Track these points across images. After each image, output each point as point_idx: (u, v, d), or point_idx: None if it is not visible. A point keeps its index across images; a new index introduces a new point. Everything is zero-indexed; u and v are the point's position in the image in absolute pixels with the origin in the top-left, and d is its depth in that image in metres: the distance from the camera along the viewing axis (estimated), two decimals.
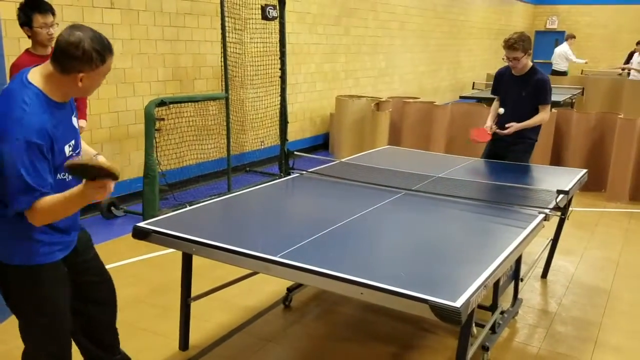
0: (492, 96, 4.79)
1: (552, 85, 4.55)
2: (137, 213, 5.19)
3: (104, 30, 5.20)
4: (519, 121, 4.39)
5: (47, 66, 2.02)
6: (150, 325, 3.34)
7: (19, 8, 3.77)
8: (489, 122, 4.55)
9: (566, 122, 6.83)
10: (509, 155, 4.47)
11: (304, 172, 3.79)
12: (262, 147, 7.20)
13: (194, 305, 3.04)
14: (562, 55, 13.10)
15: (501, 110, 4.41)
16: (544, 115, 4.43)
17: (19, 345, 2.25)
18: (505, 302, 3.39)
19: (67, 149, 2.08)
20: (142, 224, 2.66)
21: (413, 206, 3.20)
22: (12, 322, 2.34)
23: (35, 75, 2.02)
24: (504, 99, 4.56)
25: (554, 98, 9.02)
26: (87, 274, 2.36)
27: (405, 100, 7.94)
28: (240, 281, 3.37)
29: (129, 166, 5.64)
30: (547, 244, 4.13)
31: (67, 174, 2.08)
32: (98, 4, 5.20)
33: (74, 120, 2.20)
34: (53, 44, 3.88)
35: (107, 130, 5.47)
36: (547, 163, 6.58)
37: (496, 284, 3.03)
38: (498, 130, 4.45)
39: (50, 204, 1.96)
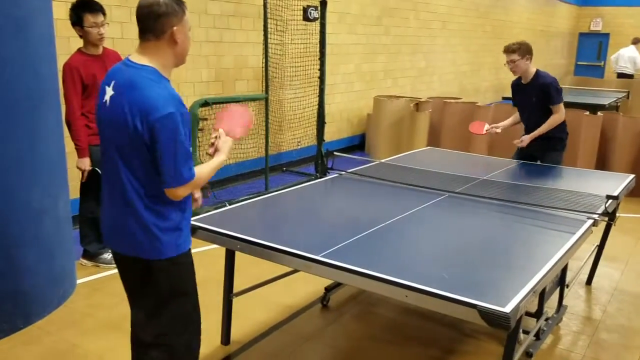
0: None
1: (594, 88, 4.61)
2: None
3: None
4: (534, 126, 4.49)
5: (143, 46, 2.07)
6: None
7: (70, 8, 3.88)
8: (500, 124, 4.76)
9: (612, 126, 6.64)
10: (540, 156, 4.52)
11: (343, 172, 3.80)
12: (299, 147, 7.24)
13: (236, 301, 3.08)
14: (632, 59, 12.82)
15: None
16: (556, 117, 4.44)
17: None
18: (549, 309, 3.33)
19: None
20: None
21: (457, 209, 3.16)
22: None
23: (140, 58, 2.06)
24: (521, 108, 4.68)
25: (599, 101, 8.90)
26: None
27: (445, 100, 7.86)
28: (278, 279, 3.40)
29: None
30: (593, 251, 4.03)
31: None
32: None
33: None
34: (104, 43, 4.02)
35: None
36: (592, 167, 6.42)
37: (542, 291, 2.97)
38: (515, 141, 4.58)
39: (205, 173, 2.12)
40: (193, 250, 2.23)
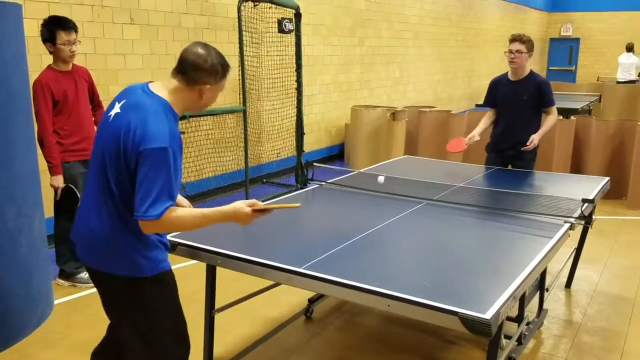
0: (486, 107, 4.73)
1: (562, 92, 4.60)
2: None
3: (124, 46, 5.36)
4: (520, 127, 4.38)
5: (169, 81, 2.12)
6: None
7: (42, 24, 3.84)
8: (475, 132, 4.57)
9: (585, 129, 6.77)
10: (516, 163, 4.45)
11: (323, 183, 3.80)
12: (279, 158, 7.24)
13: (216, 317, 3.05)
14: (633, 65, 13.14)
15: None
16: (554, 118, 4.44)
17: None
18: (530, 313, 3.36)
19: (179, 163, 2.14)
20: (168, 237, 2.67)
21: (435, 216, 3.18)
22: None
23: (160, 89, 2.11)
24: (502, 107, 4.51)
25: (572, 105, 9.07)
26: None
27: (421, 109, 7.93)
28: (261, 293, 3.38)
29: None
30: (571, 254, 4.08)
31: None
32: (118, 20, 5.28)
33: None
34: (75, 60, 3.98)
35: None
36: (567, 171, 6.52)
37: (522, 295, 2.99)
38: (524, 148, 4.37)
39: (183, 216, 2.04)
40: (176, 266, 2.21)
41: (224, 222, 2.22)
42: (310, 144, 8.25)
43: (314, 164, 3.92)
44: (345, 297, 2.24)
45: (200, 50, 2.08)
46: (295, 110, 6.82)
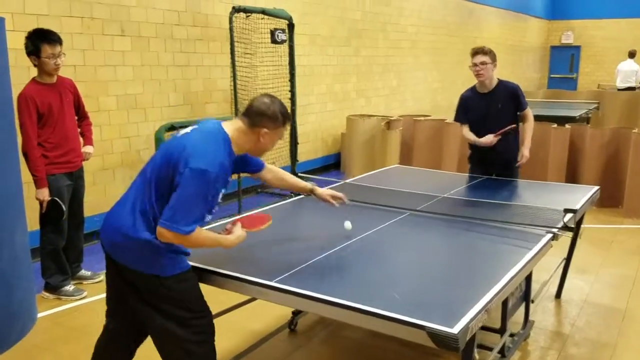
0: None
1: (564, 101, 4.58)
2: None
3: (115, 57, 5.38)
4: (501, 138, 4.27)
5: (236, 121, 2.39)
6: (153, 352, 3.32)
7: (26, 37, 3.85)
8: (473, 138, 4.39)
9: (580, 138, 6.73)
10: (503, 173, 4.39)
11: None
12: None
13: None
14: (634, 72, 13.08)
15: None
16: (531, 121, 4.40)
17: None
18: (516, 324, 3.31)
19: (221, 195, 2.37)
20: None
21: (417, 227, 3.16)
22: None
23: (227, 126, 2.37)
24: (477, 122, 4.36)
25: (569, 113, 9.03)
26: None
27: (415, 118, 7.91)
28: (244, 305, 3.34)
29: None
30: (560, 264, 4.04)
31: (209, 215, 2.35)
32: (108, 31, 5.29)
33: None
34: (59, 73, 3.98)
35: (118, 155, 5.53)
36: (562, 180, 6.48)
37: (505, 306, 2.95)
38: (519, 162, 4.35)
39: (202, 238, 2.27)
40: None
41: (228, 247, 2.43)
42: (307, 153, 8.24)
43: (301, 174, 3.89)
44: (313, 311, 2.22)
45: (266, 99, 2.36)
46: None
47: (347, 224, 3.00)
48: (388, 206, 3.46)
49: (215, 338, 3.36)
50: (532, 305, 3.53)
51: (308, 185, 2.92)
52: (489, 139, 4.26)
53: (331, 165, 8.85)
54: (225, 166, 2.26)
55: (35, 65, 3.90)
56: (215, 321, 3.13)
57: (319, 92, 8.44)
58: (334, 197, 2.95)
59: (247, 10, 6.05)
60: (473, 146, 4.51)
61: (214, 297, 3.52)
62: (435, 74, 12.50)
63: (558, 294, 4.10)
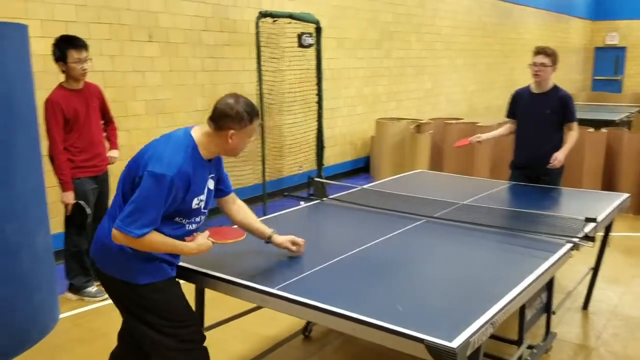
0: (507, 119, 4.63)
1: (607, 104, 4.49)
2: None
3: (143, 63, 5.47)
4: (542, 142, 4.26)
5: (204, 126, 2.33)
6: None
7: (53, 44, 3.95)
8: (484, 135, 4.57)
9: (617, 142, 6.49)
10: (542, 179, 4.31)
11: (325, 198, 3.75)
12: (301, 171, 7.22)
13: (212, 334, 3.02)
14: None
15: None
16: (575, 134, 4.29)
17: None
18: (538, 336, 3.20)
19: (195, 202, 2.31)
20: None
21: (431, 234, 3.09)
22: None
23: (196, 132, 2.32)
24: (523, 120, 4.40)
25: (609, 117, 8.72)
26: None
27: (446, 121, 7.79)
28: (259, 309, 3.33)
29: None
30: (587, 273, 3.89)
31: (184, 219, 2.32)
32: (137, 37, 5.40)
33: (211, 182, 2.43)
34: (86, 78, 4.08)
35: None
36: (598, 187, 6.26)
37: (522, 317, 2.86)
38: (550, 165, 4.19)
39: (157, 242, 2.22)
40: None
41: (188, 255, 2.38)
42: (335, 157, 8.22)
43: (315, 179, 3.87)
44: (313, 320, 2.19)
45: (229, 100, 2.28)
46: (316, 123, 6.81)
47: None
48: (404, 212, 3.40)
49: (228, 343, 3.39)
50: (555, 317, 3.42)
51: (267, 231, 2.66)
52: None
53: (361, 169, 8.80)
54: (185, 172, 2.19)
55: (62, 72, 4.00)
56: (228, 326, 3.16)
57: (347, 96, 8.41)
58: (293, 243, 2.66)
59: (273, 15, 6.07)
60: (514, 150, 4.52)
61: (225, 301, 3.54)
62: (472, 76, 12.29)
63: (585, 305, 3.95)
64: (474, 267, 2.71)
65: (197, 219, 2.38)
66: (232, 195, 2.67)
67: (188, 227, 2.35)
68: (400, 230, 3.11)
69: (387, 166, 8.03)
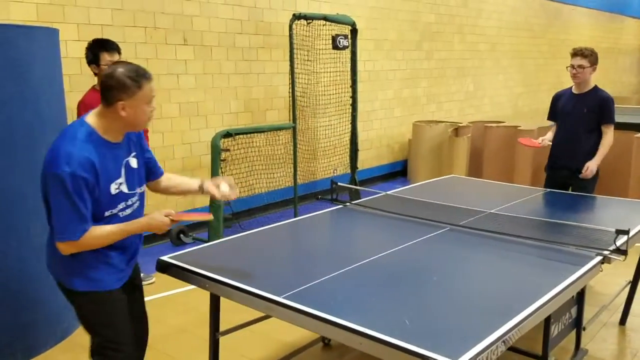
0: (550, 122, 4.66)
1: None
2: (205, 240, 5.32)
3: (177, 66, 5.54)
4: (577, 142, 4.24)
5: (98, 108, 2.19)
6: (188, 357, 3.36)
7: (86, 47, 4.03)
8: (547, 137, 4.55)
9: None
10: (574, 183, 4.27)
11: (348, 203, 3.69)
12: (335, 174, 7.16)
13: (231, 338, 3.01)
14: None
15: None
16: (610, 137, 4.21)
17: None
18: (568, 352, 3.05)
19: (113, 187, 2.18)
20: (164, 257, 2.69)
21: (453, 244, 2.98)
22: None
23: (91, 116, 2.18)
24: (562, 120, 4.39)
25: None
26: (131, 309, 2.43)
27: (487, 124, 7.57)
28: None
29: (200, 195, 5.79)
30: (625, 287, 3.68)
31: (112, 209, 2.20)
32: (171, 40, 5.47)
33: (133, 161, 2.29)
34: None
35: (180, 160, 5.70)
36: None
37: (546, 332, 2.71)
38: (582, 175, 4.19)
39: (101, 234, 2.13)
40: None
41: (142, 232, 2.29)
42: (370, 160, 8.13)
43: (339, 183, 3.81)
44: (319, 332, 2.13)
45: (108, 71, 2.12)
46: (350, 126, 6.74)
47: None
48: (427, 219, 3.30)
49: (246, 348, 3.37)
50: (588, 332, 3.24)
51: (196, 184, 2.55)
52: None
53: (397, 173, 8.67)
54: (85, 160, 2.04)
55: (95, 74, 4.07)
56: (247, 330, 3.13)
57: (384, 98, 8.30)
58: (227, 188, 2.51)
59: (307, 17, 6.05)
60: (550, 151, 4.51)
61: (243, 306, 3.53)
62: (518, 77, 11.94)
63: (622, 321, 3.74)
64: (495, 279, 2.59)
65: (129, 203, 2.26)
66: (164, 175, 2.56)
67: (121, 214, 2.22)
68: (421, 239, 3.01)
69: (424, 170, 7.89)
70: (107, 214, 2.17)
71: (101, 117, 2.15)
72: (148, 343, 3.56)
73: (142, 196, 2.38)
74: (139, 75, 2.12)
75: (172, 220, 2.26)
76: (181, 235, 5.45)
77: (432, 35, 9.15)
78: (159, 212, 2.25)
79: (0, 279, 3.23)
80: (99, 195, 2.12)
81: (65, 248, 2.12)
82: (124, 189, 2.23)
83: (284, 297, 2.23)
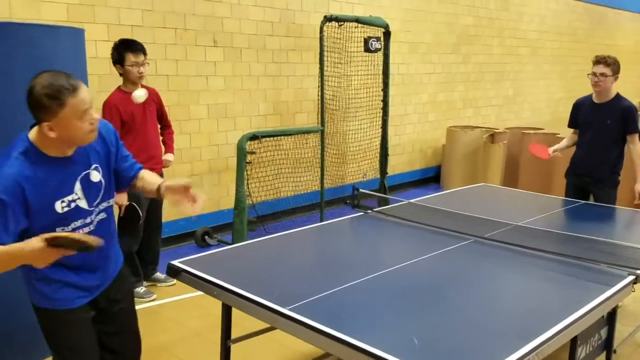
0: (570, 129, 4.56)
1: None
2: (229, 243, 5.30)
3: (206, 68, 5.54)
4: (601, 152, 4.16)
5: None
6: None
7: (113, 47, 4.06)
8: (558, 147, 4.48)
9: None
10: (596, 192, 4.19)
11: (369, 211, 3.58)
12: (365, 179, 7.04)
13: (243, 345, 2.95)
14: None
15: None
16: (639, 148, 4.10)
17: None
18: None
19: (60, 205, 2.00)
20: (175, 262, 2.65)
21: (476, 257, 2.84)
22: None
23: (34, 130, 1.99)
24: (584, 130, 4.29)
25: None
26: (106, 323, 2.31)
27: (524, 131, 7.32)
28: None
29: (227, 197, 5.80)
30: None
31: (65, 227, 2.03)
32: (201, 42, 5.47)
33: (94, 174, 2.11)
34: (143, 81, 4.15)
35: (207, 162, 5.69)
36: None
37: (572, 355, 2.55)
38: (637, 202, 4.08)
39: None
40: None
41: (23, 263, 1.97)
42: (402, 165, 7.98)
43: (360, 190, 3.71)
44: (320, 347, 2.04)
45: (29, 85, 1.89)
46: (381, 130, 6.62)
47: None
48: (451, 230, 3.16)
49: (260, 356, 3.30)
50: (621, 355, 3.05)
51: (156, 184, 2.28)
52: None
53: (430, 179, 8.49)
54: (9, 179, 1.86)
55: (120, 75, 4.10)
56: (261, 338, 3.06)
57: (418, 102, 8.13)
58: (184, 192, 2.24)
59: (339, 19, 5.96)
60: (572, 158, 4.43)
61: None
62: (559, 83, 11.56)
63: None
64: (517, 296, 2.45)
65: (87, 221, 2.08)
66: (140, 173, 2.34)
67: (80, 232, 2.05)
68: (442, 250, 2.89)
69: (458, 177, 7.69)
70: (58, 230, 2.00)
71: (38, 132, 1.95)
72: (162, 345, 3.58)
73: (109, 210, 2.21)
74: (59, 91, 1.86)
75: (53, 246, 1.85)
76: (206, 237, 5.43)
77: (470, 38, 8.93)
78: (37, 238, 1.85)
79: (18, 277, 3.24)
80: (37, 213, 1.94)
81: None
82: (82, 204, 2.05)
83: (289, 309, 2.15)
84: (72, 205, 2.03)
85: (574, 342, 2.41)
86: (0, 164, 1.91)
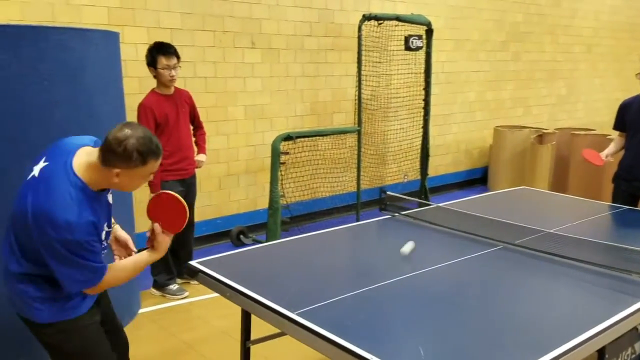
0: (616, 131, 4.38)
1: None
2: (263, 242, 5.31)
3: (244, 69, 5.57)
4: None
5: (92, 153, 2.05)
6: None
7: (147, 49, 4.14)
8: (608, 152, 4.25)
9: None
10: None
11: (397, 214, 3.50)
12: (406, 180, 6.93)
13: (264, 346, 2.94)
14: None
15: None
16: None
17: None
18: None
19: (104, 234, 2.13)
20: (193, 262, 2.66)
21: (503, 264, 2.72)
22: None
23: (80, 163, 2.02)
24: (631, 131, 4.12)
25: None
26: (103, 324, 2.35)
27: (574, 132, 7.01)
28: None
29: (262, 197, 5.82)
30: None
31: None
32: (239, 44, 5.51)
33: (110, 197, 2.23)
34: (175, 84, 4.22)
35: (243, 162, 5.73)
36: None
37: None
38: None
39: (117, 273, 2.14)
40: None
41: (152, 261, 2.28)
42: (446, 166, 7.80)
43: (388, 193, 3.63)
44: (325, 354, 1.99)
45: (120, 133, 1.96)
46: (422, 130, 6.49)
47: (407, 247, 2.71)
48: (480, 236, 3.04)
49: (278, 358, 3.27)
50: None
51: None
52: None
53: (477, 180, 8.26)
54: (88, 224, 1.97)
55: (154, 77, 4.17)
56: (283, 339, 3.03)
57: (464, 101, 7.93)
58: (124, 247, 2.40)
59: (379, 18, 5.88)
60: (620, 163, 4.27)
61: None
62: (616, 82, 11.02)
63: None
64: (540, 307, 2.31)
65: (108, 240, 2.22)
66: None
67: (103, 253, 2.15)
68: (468, 257, 2.78)
69: (504, 179, 7.45)
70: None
71: (92, 170, 2.01)
72: (188, 343, 3.61)
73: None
74: (149, 152, 2.00)
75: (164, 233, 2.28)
76: (241, 236, 5.47)
77: (520, 35, 8.64)
78: (158, 233, 2.23)
79: None
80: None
81: (91, 292, 2.13)
82: (106, 227, 2.17)
83: (297, 314, 2.11)
84: (105, 228, 2.16)
85: (601, 354, 2.27)
86: (65, 214, 1.92)
